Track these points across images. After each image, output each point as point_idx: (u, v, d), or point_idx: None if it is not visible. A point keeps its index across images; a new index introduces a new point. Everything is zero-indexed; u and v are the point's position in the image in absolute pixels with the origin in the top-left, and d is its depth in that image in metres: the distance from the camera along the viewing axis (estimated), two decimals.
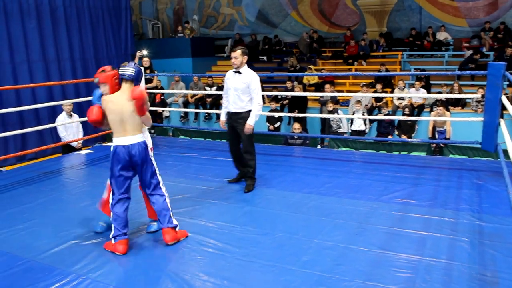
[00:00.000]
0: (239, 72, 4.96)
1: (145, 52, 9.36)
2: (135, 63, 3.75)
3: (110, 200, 3.68)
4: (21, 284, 3.14)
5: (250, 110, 4.95)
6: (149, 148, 3.78)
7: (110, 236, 3.65)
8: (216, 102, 12.69)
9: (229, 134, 5.22)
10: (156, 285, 3.11)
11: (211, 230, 3.96)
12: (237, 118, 4.99)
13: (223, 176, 5.57)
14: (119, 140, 3.62)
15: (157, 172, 3.80)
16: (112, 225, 3.65)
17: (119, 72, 3.67)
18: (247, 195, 4.89)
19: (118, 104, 3.58)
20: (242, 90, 4.91)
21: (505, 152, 5.00)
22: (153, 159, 3.79)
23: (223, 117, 5.27)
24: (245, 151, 5.06)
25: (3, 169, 8.59)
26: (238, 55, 4.93)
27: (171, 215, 3.75)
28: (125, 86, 3.64)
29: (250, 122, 4.91)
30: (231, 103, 5.01)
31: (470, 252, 3.41)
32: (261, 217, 4.25)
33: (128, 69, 3.66)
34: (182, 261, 3.44)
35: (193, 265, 3.36)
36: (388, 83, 12.60)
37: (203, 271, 3.26)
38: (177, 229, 3.77)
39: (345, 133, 10.10)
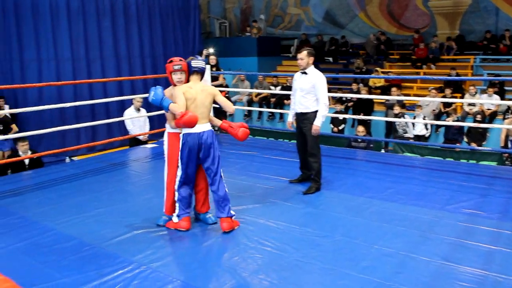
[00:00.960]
0: (305, 73, 4.97)
1: (211, 50, 9.52)
2: (200, 57, 4.07)
3: (177, 182, 3.97)
4: (88, 268, 3.29)
5: (316, 111, 4.95)
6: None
7: (174, 214, 3.98)
8: (280, 101, 12.71)
9: (297, 135, 5.26)
10: (215, 279, 3.15)
11: (271, 229, 3.97)
12: (303, 119, 5.00)
13: (284, 176, 5.57)
14: (193, 128, 3.86)
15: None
16: (176, 205, 3.98)
17: (192, 65, 3.96)
18: (308, 196, 4.86)
19: (194, 93, 3.88)
20: (308, 90, 4.92)
21: None
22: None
23: (290, 118, 5.29)
24: (310, 153, 5.04)
25: (75, 158, 9.05)
26: (303, 56, 4.95)
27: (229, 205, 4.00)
28: (196, 78, 3.99)
29: (317, 123, 4.91)
30: (297, 104, 5.04)
31: None
32: (321, 220, 4.21)
33: (200, 63, 4.00)
34: (241, 258, 3.46)
35: (251, 263, 3.38)
36: (458, 88, 12.10)
37: (261, 270, 3.27)
38: (233, 218, 4.01)
39: (411, 138, 9.81)
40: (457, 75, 12.21)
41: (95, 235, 3.88)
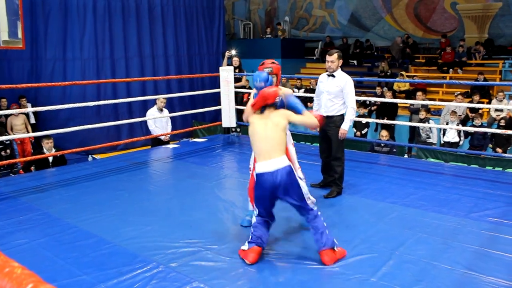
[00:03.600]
0: (333, 76, 4.93)
1: (234, 52, 9.56)
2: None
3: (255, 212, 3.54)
4: (108, 266, 3.34)
5: (342, 115, 4.93)
6: None
7: (246, 242, 3.52)
8: (303, 104, 12.67)
9: (320, 138, 5.20)
10: (235, 281, 3.16)
11: (290, 234, 3.96)
12: (329, 122, 4.93)
13: (306, 179, 5.54)
14: (263, 167, 3.48)
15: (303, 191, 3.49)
16: (251, 229, 3.52)
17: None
18: (329, 200, 4.84)
19: (268, 125, 3.55)
20: (335, 93, 4.89)
21: None
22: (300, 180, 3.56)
23: (317, 113, 5.17)
24: (334, 157, 5.00)
25: (97, 157, 9.18)
26: (334, 59, 4.89)
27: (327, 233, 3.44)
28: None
29: (345, 127, 4.89)
30: (323, 107, 4.98)
31: None
32: (342, 224, 4.18)
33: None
34: (261, 261, 3.47)
35: (271, 267, 3.38)
36: (485, 93, 11.91)
37: (280, 275, 3.27)
38: (335, 248, 3.47)
39: (434, 143, 9.67)
40: (485, 80, 12.01)
41: (115, 233, 3.93)
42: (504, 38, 14.68)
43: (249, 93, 9.36)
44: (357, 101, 10.24)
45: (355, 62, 16.35)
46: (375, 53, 16.68)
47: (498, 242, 3.78)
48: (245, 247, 3.49)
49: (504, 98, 10.61)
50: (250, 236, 3.49)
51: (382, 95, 11.50)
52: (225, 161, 6.66)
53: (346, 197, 4.94)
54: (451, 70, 13.96)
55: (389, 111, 11.20)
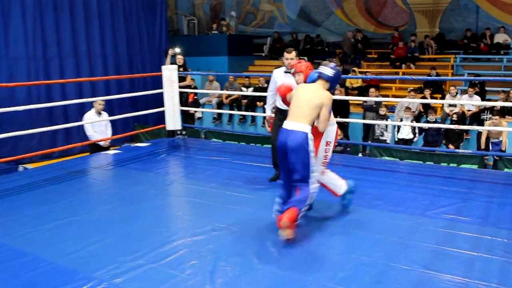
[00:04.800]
0: (289, 73, 5.22)
1: (178, 49, 9.50)
2: (336, 65, 4.16)
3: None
4: (44, 286, 3.23)
5: None
6: (312, 141, 4.03)
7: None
8: (252, 104, 12.75)
9: (276, 130, 5.37)
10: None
11: (243, 241, 3.97)
12: None
13: (257, 183, 5.59)
14: (285, 124, 4.03)
15: (311, 167, 4.00)
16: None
17: (319, 70, 4.11)
18: (267, 202, 4.86)
19: (307, 93, 4.03)
20: None
21: None
22: (312, 154, 4.00)
23: (270, 113, 5.67)
24: None
25: (29, 166, 8.87)
26: (294, 56, 5.32)
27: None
28: (320, 83, 4.12)
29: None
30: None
31: None
32: (296, 229, 4.22)
33: (328, 69, 4.10)
34: (196, 267, 3.46)
35: (208, 276, 3.38)
36: (438, 88, 12.37)
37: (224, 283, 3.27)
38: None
39: (386, 141, 9.95)
40: (438, 75, 12.48)
41: (52, 249, 3.81)
42: (454, 32, 15.30)
43: (195, 93, 9.34)
44: None
45: (305, 58, 16.50)
46: (326, 49, 16.97)
47: (454, 239, 3.94)
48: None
49: (457, 93, 11.06)
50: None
51: (333, 93, 11.71)
52: (171, 167, 6.60)
53: None
54: (403, 65, 14.42)
55: (341, 108, 11.40)
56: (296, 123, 3.97)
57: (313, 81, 4.19)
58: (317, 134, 4.20)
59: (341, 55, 15.52)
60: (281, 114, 5.34)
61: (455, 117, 10.08)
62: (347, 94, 12.69)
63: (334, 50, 16.37)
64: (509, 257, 3.59)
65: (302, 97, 4.05)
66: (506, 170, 7.78)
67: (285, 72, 5.39)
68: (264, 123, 11.95)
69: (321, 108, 4.01)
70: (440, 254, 3.66)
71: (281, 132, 4.01)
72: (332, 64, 4.15)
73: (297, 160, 3.92)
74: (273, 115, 5.59)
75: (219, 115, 13.44)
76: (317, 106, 4.00)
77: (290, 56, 5.31)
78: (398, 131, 10.15)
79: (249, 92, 12.34)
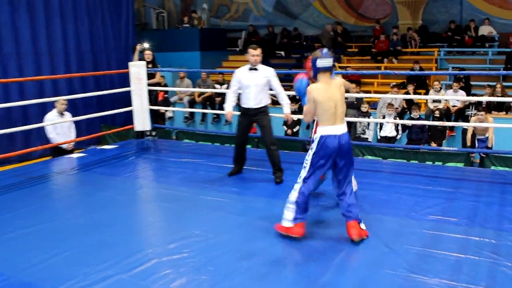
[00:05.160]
0: (255, 69, 5.71)
1: (146, 45, 9.44)
2: (326, 51, 4.14)
3: (300, 182, 4.07)
4: None
5: (266, 104, 5.84)
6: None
7: (286, 218, 4.04)
8: (222, 104, 12.72)
9: (242, 129, 5.93)
10: None
11: (219, 248, 3.97)
12: (258, 113, 5.79)
13: (233, 186, 5.61)
14: (330, 130, 3.98)
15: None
16: (292, 207, 4.05)
17: (318, 65, 4.05)
18: (261, 209, 4.91)
19: (330, 92, 4.01)
20: (263, 85, 5.75)
21: None
22: None
23: (231, 109, 5.96)
24: (272, 143, 5.82)
25: None
26: (259, 53, 5.68)
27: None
28: (327, 75, 4.07)
29: (289, 111, 5.95)
30: (253, 100, 5.75)
31: None
32: (272, 233, 4.24)
33: (325, 61, 4.04)
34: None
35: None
36: (422, 83, 12.54)
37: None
38: (361, 225, 4.09)
39: (368, 139, 10.05)
40: (421, 69, 12.64)
41: (12, 262, 3.75)
42: (438, 24, 15.53)
43: (165, 91, 9.30)
44: (287, 96, 10.50)
45: (282, 53, 16.62)
46: (304, 42, 17.03)
47: (441, 241, 4.01)
48: (288, 223, 4.04)
49: (441, 88, 11.22)
50: (293, 213, 4.02)
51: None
52: (140, 170, 6.56)
53: (277, 202, 5.01)
54: (385, 59, 14.57)
55: None
56: (342, 126, 4.05)
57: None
58: None
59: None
60: (246, 114, 5.81)
61: (437, 114, 10.23)
62: None
63: (313, 44, 16.42)
64: (497, 258, 3.66)
65: (336, 99, 4.05)
66: (493, 167, 7.94)
67: (250, 69, 5.73)
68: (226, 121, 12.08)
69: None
70: (426, 257, 3.71)
71: (331, 139, 3.99)
72: (323, 51, 4.12)
73: (350, 162, 4.11)
74: (231, 110, 5.96)
75: (192, 114, 13.38)
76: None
77: (256, 53, 5.65)
78: (380, 128, 10.26)
79: (223, 89, 12.32)
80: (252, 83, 5.71)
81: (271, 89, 5.91)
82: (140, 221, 4.73)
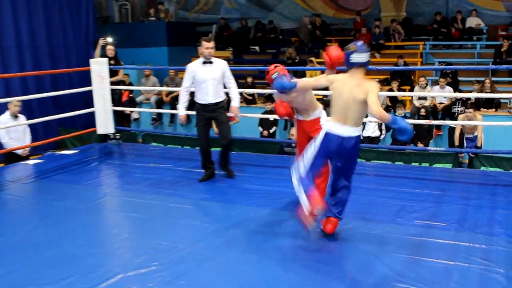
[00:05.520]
0: (210, 62, 5.92)
1: (109, 39, 9.38)
2: (362, 43, 4.07)
3: (299, 173, 4.10)
4: None
5: (224, 99, 6.07)
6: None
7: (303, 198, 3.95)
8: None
9: (203, 129, 6.07)
10: None
11: (190, 260, 3.95)
12: (217, 108, 5.96)
13: (204, 193, 5.61)
14: (337, 128, 3.98)
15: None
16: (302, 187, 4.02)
17: (352, 60, 3.99)
18: (235, 216, 4.90)
19: (347, 87, 3.96)
20: (219, 78, 5.96)
21: None
22: None
23: (184, 112, 6.20)
24: (230, 140, 6.05)
25: None
26: (213, 45, 5.93)
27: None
28: (359, 72, 4.02)
29: (237, 105, 6.17)
30: (211, 94, 5.90)
31: (506, 286, 3.43)
32: (247, 242, 4.26)
33: (361, 56, 3.98)
34: None
35: None
36: (406, 79, 12.67)
37: None
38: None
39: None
40: (405, 64, 12.77)
41: None
42: (423, 16, 15.73)
43: (130, 91, 9.25)
44: (261, 95, 10.69)
45: (257, 48, 16.64)
46: (280, 36, 17.08)
47: (428, 247, 4.05)
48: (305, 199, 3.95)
49: (427, 84, 11.36)
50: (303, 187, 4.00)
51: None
52: (104, 177, 6.50)
53: (255, 209, 5.02)
54: None
55: None
56: (351, 128, 4.02)
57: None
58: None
59: (297, 44, 15.66)
60: (204, 110, 5.92)
61: (423, 112, 10.35)
62: None
63: (289, 38, 16.51)
64: (488, 265, 3.72)
65: (350, 96, 4.00)
66: (482, 168, 8.06)
67: (204, 62, 5.92)
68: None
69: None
70: (413, 265, 3.75)
71: (334, 138, 4.01)
72: (360, 44, 4.07)
73: (351, 163, 4.23)
74: (184, 113, 6.23)
75: (159, 115, 13.31)
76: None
77: (210, 45, 5.87)
78: (363, 128, 10.34)
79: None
80: (209, 77, 5.88)
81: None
82: (103, 233, 4.68)
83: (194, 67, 5.98)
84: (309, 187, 3.98)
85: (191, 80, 6.01)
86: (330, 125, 4.02)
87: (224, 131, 6.01)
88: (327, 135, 4.00)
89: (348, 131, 3.96)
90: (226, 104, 6.08)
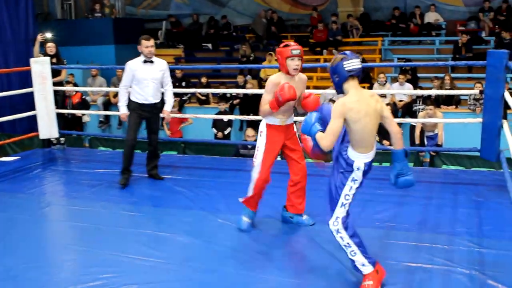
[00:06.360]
0: (151, 61, 5.98)
1: (48, 35, 9.20)
2: (350, 51, 3.68)
3: (340, 224, 3.57)
4: None
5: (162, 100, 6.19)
6: None
7: (360, 265, 3.50)
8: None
9: (135, 128, 6.08)
10: None
11: (144, 271, 3.93)
12: (153, 109, 6.09)
13: (157, 199, 5.57)
14: (368, 157, 3.59)
15: None
16: (356, 250, 3.52)
17: (346, 68, 3.51)
18: (187, 223, 4.88)
19: (368, 106, 3.50)
20: (159, 79, 6.05)
21: (509, 161, 5.19)
22: None
23: (125, 110, 6.12)
24: (157, 142, 6.30)
25: None
26: (153, 44, 5.99)
27: None
28: (354, 84, 3.57)
29: (169, 109, 6.23)
30: (151, 95, 5.99)
31: (469, 286, 3.52)
32: (202, 249, 4.25)
33: (354, 62, 3.55)
34: None
35: None
36: (365, 76, 12.85)
37: None
38: None
39: None
40: (364, 61, 12.95)
41: None
42: (381, 12, 16.00)
43: (79, 92, 9.09)
44: (215, 94, 10.65)
45: (209, 45, 16.62)
46: (234, 33, 17.12)
47: (390, 250, 4.13)
48: (366, 269, 3.47)
49: (386, 81, 11.55)
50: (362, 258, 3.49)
51: (244, 86, 11.84)
52: (48, 185, 6.39)
53: (208, 216, 5.01)
54: (325, 51, 14.85)
55: (255, 104, 11.56)
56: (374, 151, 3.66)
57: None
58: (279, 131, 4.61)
59: (252, 41, 15.70)
60: (141, 110, 5.96)
61: None
62: (260, 87, 12.83)
63: (243, 35, 16.54)
64: (450, 265, 3.81)
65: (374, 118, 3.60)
66: (444, 167, 8.23)
67: (145, 61, 5.96)
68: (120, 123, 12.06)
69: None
70: None
71: (369, 167, 3.64)
72: (350, 54, 3.65)
73: None
74: (126, 111, 6.11)
75: (107, 117, 13.15)
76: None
77: (150, 43, 5.94)
78: None
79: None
80: (149, 77, 5.96)
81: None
82: (48, 246, 4.58)
83: (135, 65, 6.00)
84: (369, 257, 3.53)
85: (131, 78, 6.00)
86: (360, 157, 3.56)
87: (154, 134, 6.24)
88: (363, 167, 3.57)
89: (372, 155, 3.62)
90: (161, 107, 6.20)
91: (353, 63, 3.50)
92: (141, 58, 5.98)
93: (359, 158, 3.53)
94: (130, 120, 6.10)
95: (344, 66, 3.48)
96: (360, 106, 3.42)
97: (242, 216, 4.64)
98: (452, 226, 4.58)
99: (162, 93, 6.20)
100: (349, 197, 3.60)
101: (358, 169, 3.54)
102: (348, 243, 3.49)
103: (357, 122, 3.42)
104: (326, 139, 3.39)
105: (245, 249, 4.25)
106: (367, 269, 3.47)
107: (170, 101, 6.23)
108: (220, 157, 7.67)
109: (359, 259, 3.48)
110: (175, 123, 11.24)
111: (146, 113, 6.05)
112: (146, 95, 5.97)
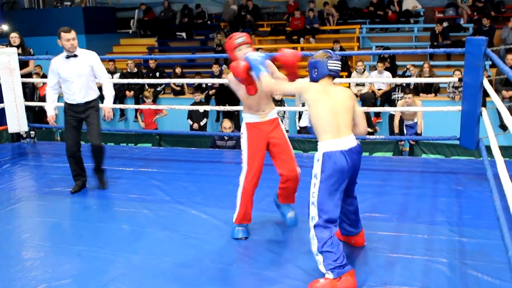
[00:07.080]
0: (74, 56, 5.50)
1: (5, 27, 9.07)
2: (333, 52, 3.74)
3: (315, 224, 3.52)
4: None
5: (97, 97, 5.72)
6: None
7: (327, 271, 3.43)
8: (120, 94, 12.50)
9: (72, 131, 5.67)
10: None
11: (120, 268, 3.92)
12: (87, 109, 5.59)
13: (131, 192, 5.58)
14: (334, 144, 3.53)
15: None
16: (323, 259, 3.45)
17: (329, 67, 3.60)
18: (163, 217, 4.87)
19: (332, 96, 3.60)
20: (88, 74, 5.56)
21: (488, 149, 5.26)
22: None
23: (52, 112, 5.76)
24: (99, 143, 5.66)
25: None
26: (75, 35, 5.51)
27: None
28: (330, 81, 3.69)
29: (110, 105, 5.72)
30: (78, 94, 5.53)
31: (450, 276, 3.56)
32: (179, 245, 4.26)
33: (336, 64, 3.64)
34: None
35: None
36: (343, 65, 12.91)
37: None
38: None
39: (287, 130, 10.26)
40: (342, 49, 13.02)
41: None
42: None
43: (45, 84, 8.96)
44: (190, 85, 10.56)
45: (183, 35, 16.56)
46: (209, 22, 17.07)
47: (370, 240, 4.14)
48: (331, 274, 3.41)
49: (364, 69, 11.61)
50: (327, 258, 3.43)
51: (220, 75, 11.83)
52: (17, 180, 6.33)
53: (185, 209, 5.01)
54: (302, 39, 14.88)
55: (231, 95, 11.55)
56: (349, 137, 3.61)
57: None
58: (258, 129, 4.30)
59: (227, 29, 15.67)
60: (73, 111, 5.57)
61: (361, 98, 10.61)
62: None
63: (218, 23, 16.50)
64: (430, 255, 3.85)
65: (338, 104, 3.62)
66: (423, 155, 8.31)
67: (67, 57, 5.51)
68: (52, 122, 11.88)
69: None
70: (354, 260, 3.84)
71: (339, 156, 3.52)
72: (333, 53, 3.72)
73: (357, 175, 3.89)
74: (53, 113, 5.78)
75: None
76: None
77: (71, 36, 5.45)
78: (299, 118, 10.47)
79: (115, 79, 12.07)
80: (73, 74, 5.50)
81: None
82: (19, 242, 4.55)
83: (57, 63, 5.57)
84: (339, 266, 3.42)
85: (56, 78, 5.61)
86: (324, 146, 3.54)
87: (94, 133, 5.64)
88: (328, 156, 3.52)
89: (348, 142, 3.58)
90: (98, 103, 5.73)
91: (336, 64, 3.63)
92: (64, 53, 5.54)
93: (320, 149, 3.56)
94: (65, 124, 5.74)
95: (329, 64, 3.60)
96: (322, 92, 3.57)
97: (236, 226, 4.36)
98: (432, 215, 4.63)
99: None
100: (315, 195, 3.54)
101: (318, 160, 3.55)
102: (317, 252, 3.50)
103: (314, 106, 3.56)
104: (270, 81, 3.73)
105: (223, 242, 4.26)
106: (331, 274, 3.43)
107: (109, 96, 5.72)
108: (196, 149, 7.67)
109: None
110: (149, 114, 11.20)
111: (79, 114, 5.61)
112: (73, 95, 5.55)
